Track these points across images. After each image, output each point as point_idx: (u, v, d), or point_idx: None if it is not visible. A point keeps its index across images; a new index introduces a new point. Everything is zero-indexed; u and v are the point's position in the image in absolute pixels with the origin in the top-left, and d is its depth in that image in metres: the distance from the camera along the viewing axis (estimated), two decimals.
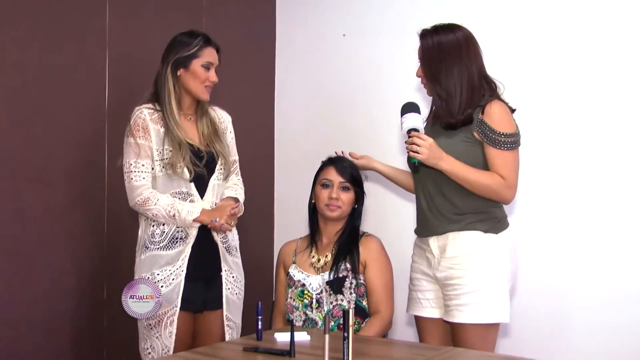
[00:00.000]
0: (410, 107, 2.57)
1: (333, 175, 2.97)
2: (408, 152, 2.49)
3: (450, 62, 2.54)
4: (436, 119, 2.65)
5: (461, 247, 2.56)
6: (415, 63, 2.66)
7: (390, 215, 3.50)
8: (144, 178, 2.62)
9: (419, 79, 2.66)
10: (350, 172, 2.98)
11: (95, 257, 3.02)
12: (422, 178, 2.63)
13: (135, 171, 2.62)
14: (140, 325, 2.67)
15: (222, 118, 2.85)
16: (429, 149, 2.47)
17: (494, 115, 2.50)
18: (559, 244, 3.14)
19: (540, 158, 3.14)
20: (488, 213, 2.58)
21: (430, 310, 2.65)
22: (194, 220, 2.62)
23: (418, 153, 2.47)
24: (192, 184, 2.66)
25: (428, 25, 2.61)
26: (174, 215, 2.60)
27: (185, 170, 2.62)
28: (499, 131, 2.49)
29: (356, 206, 3.01)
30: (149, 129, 2.63)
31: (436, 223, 2.60)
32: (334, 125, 3.70)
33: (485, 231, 2.56)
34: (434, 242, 2.61)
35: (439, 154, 2.49)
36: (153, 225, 2.64)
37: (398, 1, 3.54)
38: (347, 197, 2.97)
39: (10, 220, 2.75)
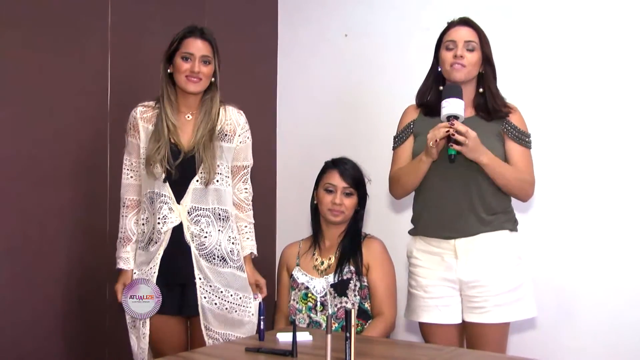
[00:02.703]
0: (452, 91, 2.44)
1: (336, 180, 2.95)
2: (449, 144, 2.38)
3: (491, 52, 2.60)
4: (430, 112, 2.58)
5: (492, 247, 2.52)
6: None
7: (393, 217, 3.48)
8: (131, 177, 2.68)
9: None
10: (353, 175, 2.96)
11: (97, 258, 3.01)
12: (450, 177, 2.51)
13: (124, 168, 2.69)
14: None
15: (231, 120, 2.68)
16: (473, 142, 2.38)
17: (518, 115, 2.58)
18: (563, 244, 3.13)
19: (547, 158, 3.12)
20: (511, 212, 2.61)
21: (450, 316, 2.55)
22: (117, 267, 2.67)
23: (459, 144, 2.36)
24: (167, 185, 2.56)
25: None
26: (118, 242, 2.68)
27: (158, 166, 2.54)
28: (524, 131, 2.56)
29: (359, 208, 3.00)
30: (138, 127, 2.63)
31: (467, 224, 2.51)
32: (337, 126, 3.69)
33: (511, 230, 2.58)
34: (461, 243, 2.52)
35: (481, 147, 2.41)
36: (142, 224, 2.65)
37: (400, 1, 3.54)
38: (350, 202, 2.95)
39: (13, 221, 2.75)
